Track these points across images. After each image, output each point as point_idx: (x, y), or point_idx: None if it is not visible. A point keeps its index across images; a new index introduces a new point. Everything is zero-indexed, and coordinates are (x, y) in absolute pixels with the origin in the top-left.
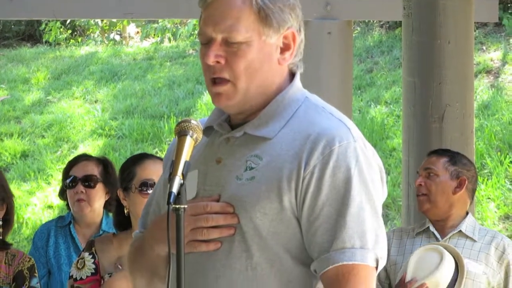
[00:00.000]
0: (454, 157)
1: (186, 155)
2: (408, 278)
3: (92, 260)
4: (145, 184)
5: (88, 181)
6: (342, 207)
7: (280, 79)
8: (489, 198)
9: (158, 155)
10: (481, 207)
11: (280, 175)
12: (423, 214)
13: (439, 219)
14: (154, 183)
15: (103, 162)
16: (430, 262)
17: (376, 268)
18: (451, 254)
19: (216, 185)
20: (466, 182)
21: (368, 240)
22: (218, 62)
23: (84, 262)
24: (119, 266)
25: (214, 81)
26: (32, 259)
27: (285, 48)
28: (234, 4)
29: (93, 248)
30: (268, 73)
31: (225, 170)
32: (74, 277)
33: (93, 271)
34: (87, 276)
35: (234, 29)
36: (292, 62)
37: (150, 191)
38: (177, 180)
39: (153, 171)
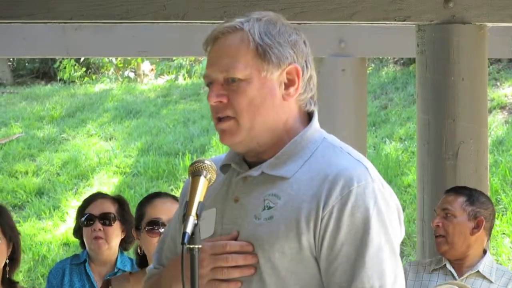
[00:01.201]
0: (472, 196)
1: (200, 195)
2: None
3: None
4: (153, 223)
5: (106, 219)
6: (361, 247)
7: (287, 116)
8: (504, 233)
9: (172, 193)
10: (496, 243)
11: (298, 215)
12: (440, 254)
13: (457, 258)
14: (163, 222)
15: (119, 201)
16: None
17: None
18: None
19: (234, 224)
20: (484, 222)
21: (387, 280)
22: (220, 101)
23: None
24: None
25: (219, 119)
26: None
27: (289, 84)
28: (232, 43)
29: (109, 287)
30: (272, 109)
31: (242, 209)
32: None
33: None
34: None
35: (232, 66)
36: (300, 99)
37: (158, 230)
38: (191, 220)
39: (162, 210)
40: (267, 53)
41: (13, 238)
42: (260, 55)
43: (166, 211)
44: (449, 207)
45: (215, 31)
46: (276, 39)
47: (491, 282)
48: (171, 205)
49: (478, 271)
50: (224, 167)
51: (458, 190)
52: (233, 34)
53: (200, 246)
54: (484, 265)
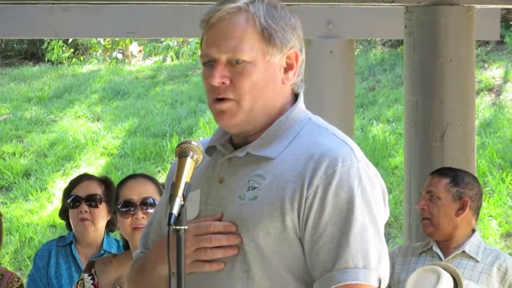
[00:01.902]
0: (456, 177)
1: (186, 176)
2: None
3: (92, 282)
4: (124, 204)
5: (92, 201)
6: (345, 227)
7: (283, 99)
8: (491, 216)
9: (159, 175)
10: (483, 225)
11: (283, 195)
12: (426, 235)
13: (444, 239)
14: (134, 202)
15: (105, 182)
16: (426, 283)
17: (379, 287)
18: (451, 275)
19: (218, 205)
20: (469, 202)
21: (371, 260)
22: (223, 83)
23: (83, 283)
24: (118, 287)
25: (218, 100)
26: (21, 279)
27: (288, 68)
28: (238, 24)
29: (92, 269)
30: (272, 93)
31: (227, 190)
32: None
33: None
34: None
35: (239, 49)
36: (294, 82)
37: (129, 211)
38: (178, 201)
39: (133, 190)
40: (272, 37)
41: None
42: (265, 38)
43: (137, 191)
44: (433, 189)
45: (219, 11)
46: (279, 23)
47: (477, 261)
48: (143, 185)
49: (464, 251)
50: (209, 149)
51: (443, 172)
52: (238, 15)
53: (186, 227)
54: (471, 245)
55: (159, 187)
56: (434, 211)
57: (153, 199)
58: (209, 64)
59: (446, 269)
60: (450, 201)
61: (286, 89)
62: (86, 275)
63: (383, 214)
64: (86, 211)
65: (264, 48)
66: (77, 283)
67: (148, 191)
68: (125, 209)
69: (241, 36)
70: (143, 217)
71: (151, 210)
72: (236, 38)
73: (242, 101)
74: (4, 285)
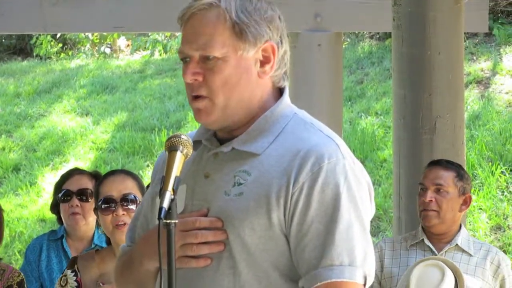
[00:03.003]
0: (459, 171)
1: (176, 170)
2: None
3: (74, 278)
4: (104, 201)
5: (83, 195)
6: (331, 224)
7: (262, 93)
8: (480, 208)
9: (148, 169)
10: (472, 218)
11: (268, 191)
12: (426, 228)
13: (440, 233)
14: (113, 199)
15: (96, 176)
16: (432, 279)
17: (364, 285)
18: (450, 269)
19: (204, 200)
20: (471, 198)
21: (357, 257)
22: (196, 79)
23: (67, 279)
24: (101, 284)
25: (194, 98)
26: (22, 274)
27: (265, 61)
28: (208, 21)
29: (75, 265)
30: (247, 87)
31: (213, 185)
32: None
33: None
34: None
35: (209, 45)
36: (274, 75)
37: (109, 207)
38: (168, 195)
39: (112, 187)
40: (243, 32)
41: None
42: (236, 33)
43: (117, 187)
44: (442, 182)
45: (191, 8)
46: (252, 17)
47: (470, 255)
48: (123, 181)
49: (457, 245)
50: (195, 144)
51: (445, 165)
52: (209, 11)
53: (176, 221)
54: (462, 239)
55: (140, 182)
56: (443, 205)
57: (134, 195)
58: (185, 61)
59: (445, 263)
60: (456, 196)
61: (265, 82)
62: (69, 271)
63: (369, 210)
64: (77, 205)
65: (236, 43)
66: (61, 279)
67: (128, 187)
68: (105, 205)
69: (211, 32)
70: (123, 214)
71: (131, 206)
72: (206, 34)
73: (215, 98)
74: (5, 279)
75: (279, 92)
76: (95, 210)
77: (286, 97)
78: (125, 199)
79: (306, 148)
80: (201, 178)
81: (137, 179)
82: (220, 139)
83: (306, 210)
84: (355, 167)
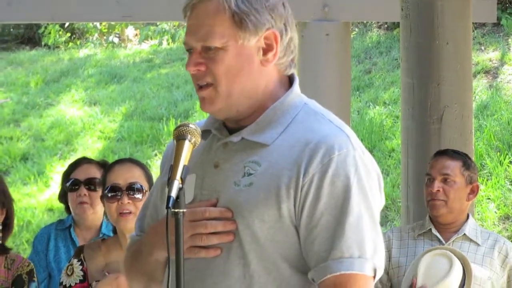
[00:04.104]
0: (466, 160)
1: (184, 159)
2: (418, 284)
3: (81, 267)
4: (110, 190)
5: (91, 184)
6: (341, 216)
7: (266, 82)
8: (489, 198)
9: (156, 158)
10: (481, 208)
11: (278, 183)
12: (434, 217)
13: (448, 223)
14: (120, 187)
15: (104, 166)
16: (440, 269)
17: (374, 277)
18: (458, 259)
19: (213, 190)
20: (479, 187)
21: (367, 249)
22: (199, 70)
23: (73, 268)
24: (106, 273)
25: (200, 87)
26: (32, 264)
27: (267, 49)
28: (209, 12)
29: (81, 255)
30: (249, 76)
31: (222, 175)
32: (64, 283)
33: (82, 278)
34: (75, 283)
35: (209, 36)
36: (280, 63)
37: (116, 196)
38: (176, 184)
39: (119, 175)
40: (243, 21)
41: (6, 204)
42: (236, 23)
43: (123, 176)
44: (449, 172)
45: (193, 0)
46: (253, 5)
47: (478, 244)
48: (130, 169)
49: (464, 234)
50: (204, 133)
51: (452, 154)
52: (210, 2)
53: (185, 210)
54: (470, 228)
55: (147, 172)
56: (450, 194)
57: (140, 185)
58: (189, 51)
59: (453, 253)
60: (463, 185)
61: (269, 71)
62: (75, 260)
63: (379, 201)
64: (85, 195)
65: (236, 33)
66: (67, 268)
67: (135, 176)
68: (111, 193)
69: (211, 23)
70: (128, 202)
71: (137, 195)
72: (206, 25)
73: (218, 86)
74: (15, 268)
75: (288, 80)
76: (102, 198)
77: (296, 86)
78: (131, 188)
79: (317, 139)
80: (211, 168)
81: (144, 168)
82: (229, 129)
83: (316, 202)
84: (365, 158)
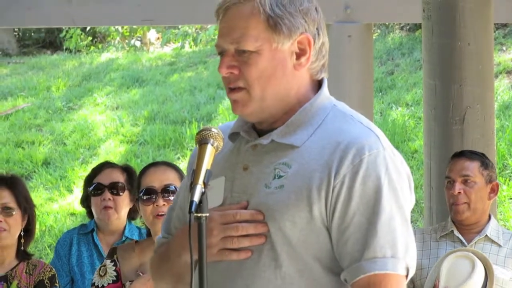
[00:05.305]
0: (483, 160)
1: (207, 163)
2: (441, 286)
3: (114, 268)
4: (146, 192)
5: (115, 189)
6: (373, 216)
7: (298, 85)
8: (511, 198)
9: (179, 161)
10: (503, 208)
11: (309, 184)
12: (458, 221)
13: (471, 224)
14: (155, 190)
15: (127, 170)
16: (462, 271)
17: (406, 276)
18: (480, 261)
19: (244, 193)
20: (498, 186)
21: (399, 249)
22: (231, 73)
23: (106, 269)
24: (140, 274)
25: (231, 90)
26: (53, 269)
27: (301, 53)
28: (243, 15)
29: (115, 256)
30: (283, 79)
31: (252, 177)
32: (96, 284)
33: (115, 278)
34: (108, 284)
35: (243, 39)
36: (312, 67)
37: (151, 198)
38: (199, 188)
39: (154, 178)
40: (278, 25)
41: (28, 210)
42: (271, 27)
43: (158, 178)
44: (469, 173)
45: (226, 1)
46: (287, 9)
47: (500, 246)
48: (164, 172)
49: (486, 236)
50: (232, 136)
51: (469, 155)
52: (244, 5)
53: (207, 214)
54: (491, 229)
55: (181, 174)
56: (472, 196)
57: (174, 186)
58: (221, 54)
59: (475, 254)
60: (483, 185)
61: (301, 75)
62: (108, 261)
63: (409, 201)
64: (109, 199)
65: (270, 36)
66: (100, 269)
67: (169, 178)
68: (146, 196)
69: (245, 26)
70: (164, 204)
71: (172, 198)
72: (240, 28)
73: (251, 90)
74: (37, 274)
75: (318, 84)
76: (136, 201)
77: (325, 89)
78: (166, 190)
79: (347, 140)
80: (240, 170)
81: (178, 170)
82: (258, 131)
83: (348, 202)
84: (395, 159)
